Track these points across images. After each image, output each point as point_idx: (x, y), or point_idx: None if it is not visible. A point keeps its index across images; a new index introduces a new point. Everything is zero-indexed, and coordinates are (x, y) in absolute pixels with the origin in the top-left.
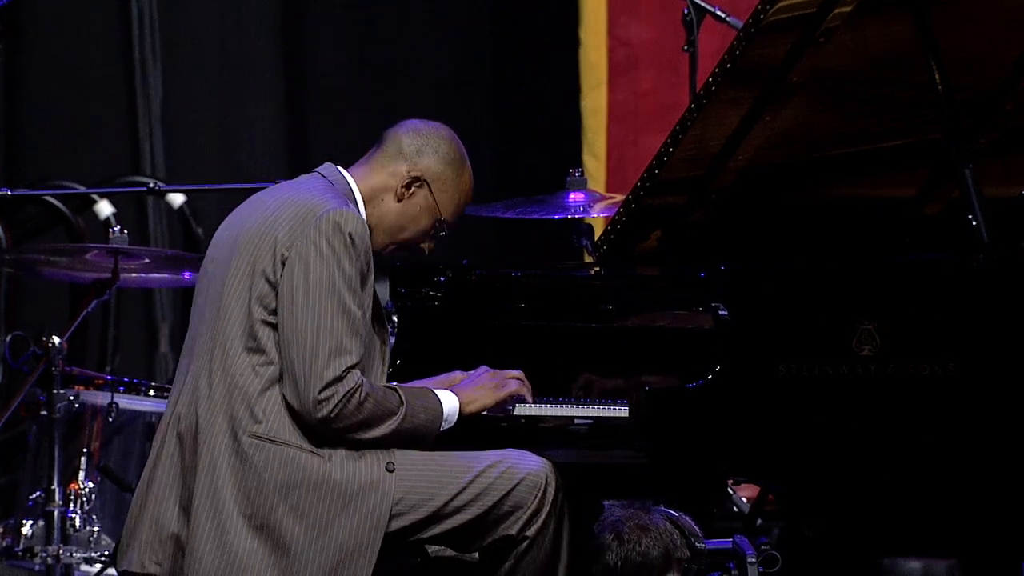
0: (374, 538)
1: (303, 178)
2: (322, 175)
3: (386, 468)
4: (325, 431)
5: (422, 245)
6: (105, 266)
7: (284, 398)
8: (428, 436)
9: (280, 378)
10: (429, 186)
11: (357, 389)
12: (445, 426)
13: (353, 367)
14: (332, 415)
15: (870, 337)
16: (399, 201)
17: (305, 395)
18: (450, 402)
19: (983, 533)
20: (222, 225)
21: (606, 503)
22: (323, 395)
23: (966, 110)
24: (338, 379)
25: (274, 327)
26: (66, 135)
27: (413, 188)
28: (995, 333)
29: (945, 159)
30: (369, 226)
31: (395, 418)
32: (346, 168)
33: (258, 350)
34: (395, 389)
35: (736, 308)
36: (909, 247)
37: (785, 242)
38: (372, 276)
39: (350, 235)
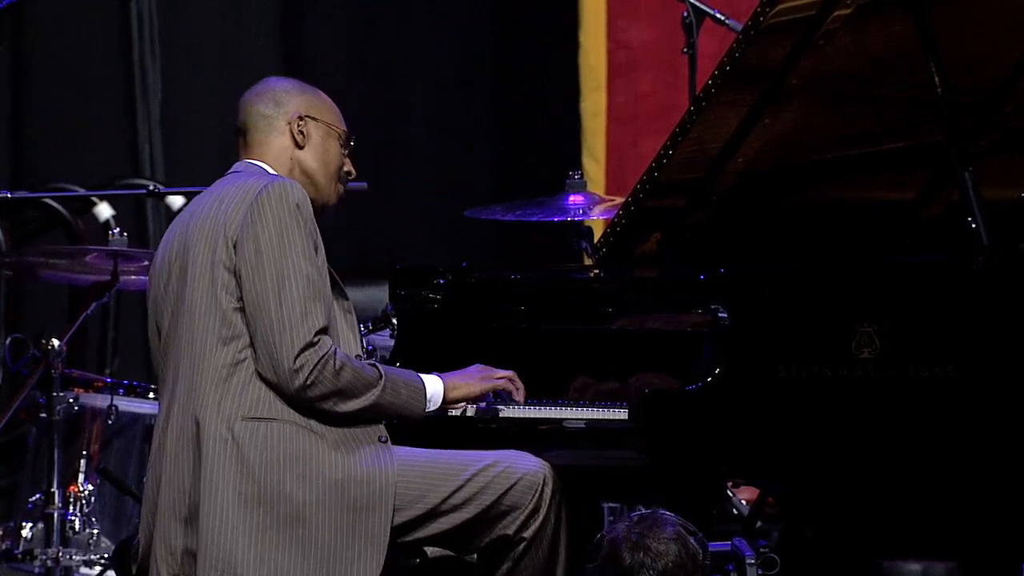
0: (387, 491)
1: (225, 178)
2: (237, 172)
3: (379, 439)
4: (304, 401)
5: (346, 170)
6: (105, 268)
7: (264, 377)
8: (411, 415)
9: (257, 357)
10: (311, 116)
11: (331, 356)
12: (430, 407)
13: (322, 331)
14: (309, 382)
15: (869, 339)
16: (303, 148)
17: (280, 366)
18: (434, 384)
19: (983, 535)
20: (160, 246)
21: (604, 504)
22: (298, 363)
23: (966, 111)
24: (310, 344)
25: (243, 308)
26: (66, 137)
27: (303, 129)
28: (994, 335)
29: (945, 161)
30: (305, 187)
31: (375, 390)
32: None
33: (235, 337)
34: (374, 364)
35: (736, 310)
36: (909, 249)
37: (785, 244)
38: (322, 245)
39: (297, 205)
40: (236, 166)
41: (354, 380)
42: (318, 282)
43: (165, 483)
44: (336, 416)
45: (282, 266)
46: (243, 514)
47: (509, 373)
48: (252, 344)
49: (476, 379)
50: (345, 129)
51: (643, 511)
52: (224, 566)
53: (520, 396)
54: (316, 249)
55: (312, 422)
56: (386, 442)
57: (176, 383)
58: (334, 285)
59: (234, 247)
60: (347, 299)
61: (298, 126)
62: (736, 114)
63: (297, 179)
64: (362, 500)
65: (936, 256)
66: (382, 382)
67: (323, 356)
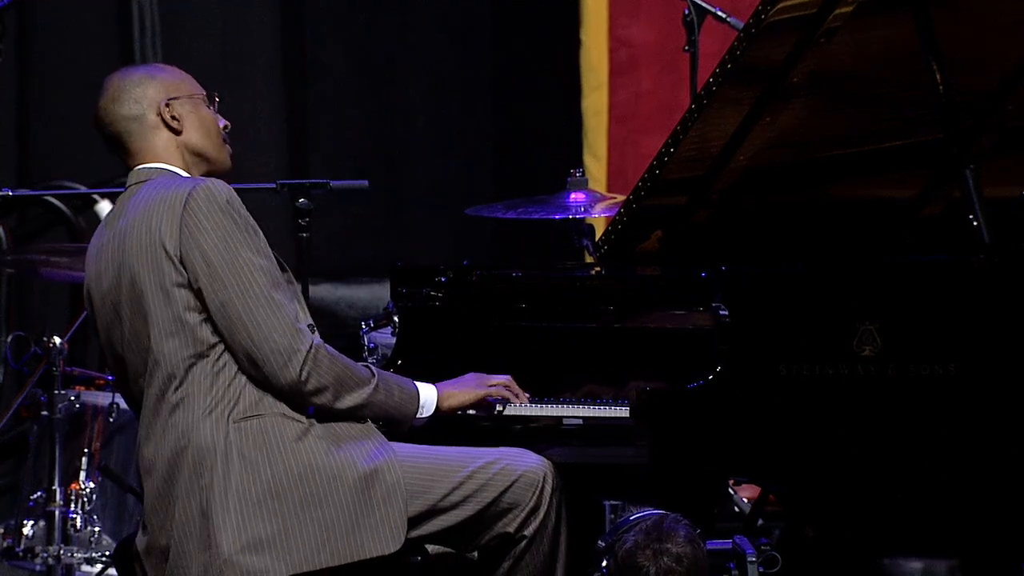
0: (390, 458)
1: (134, 190)
2: (141, 181)
3: (359, 419)
4: (300, 396)
5: (222, 125)
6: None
7: (251, 378)
8: (403, 418)
9: (239, 361)
10: (172, 98)
11: (320, 345)
12: (423, 413)
13: (297, 319)
14: (304, 376)
15: (871, 337)
16: (181, 132)
17: (269, 364)
18: (427, 390)
19: (984, 534)
20: (90, 271)
21: (605, 502)
22: (287, 353)
23: (967, 110)
24: (294, 332)
25: (211, 319)
26: (66, 135)
27: (171, 113)
28: (996, 334)
29: (946, 159)
30: (200, 165)
31: (368, 387)
32: (133, 167)
33: (209, 349)
34: (366, 365)
35: (737, 308)
36: (910, 247)
37: (786, 242)
38: (259, 228)
39: (227, 201)
40: (137, 174)
41: (347, 373)
42: (272, 270)
43: (178, 519)
44: (329, 414)
45: (237, 269)
46: (261, 511)
47: (505, 379)
48: (229, 350)
49: (471, 388)
50: (204, 91)
51: (646, 520)
52: (255, 568)
53: (519, 401)
54: (256, 234)
55: (298, 414)
56: (366, 420)
57: (156, 413)
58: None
59: (181, 264)
60: (287, 270)
61: (168, 114)
62: (737, 112)
63: (191, 163)
64: (368, 468)
65: (937, 255)
66: (375, 380)
67: (312, 345)
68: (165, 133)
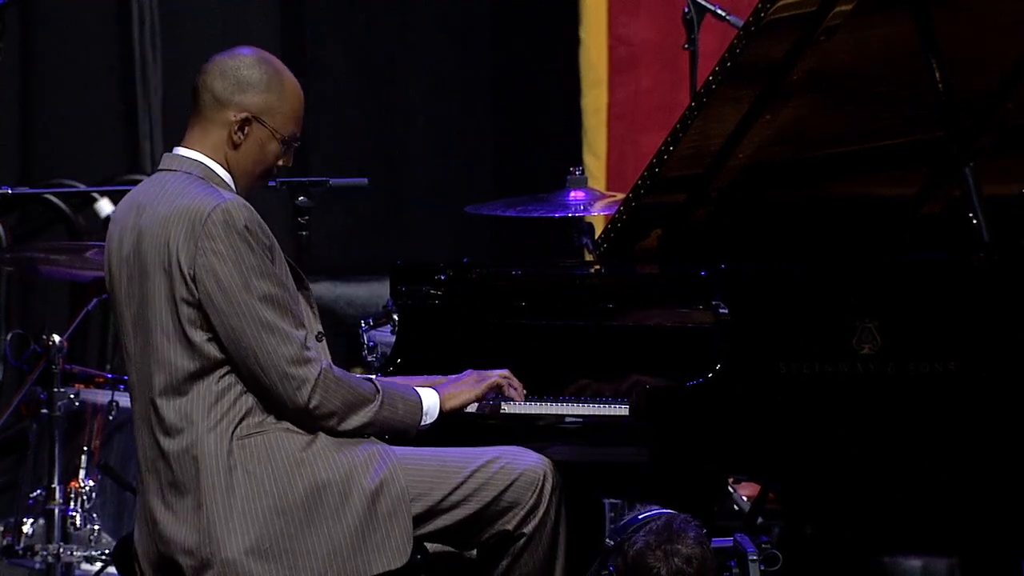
0: (394, 470)
1: (163, 180)
2: (174, 170)
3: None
4: (310, 420)
5: (280, 164)
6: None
7: (256, 396)
8: (409, 428)
9: (246, 382)
10: (259, 120)
11: (328, 369)
12: (427, 420)
13: (305, 346)
14: (313, 405)
15: (870, 335)
16: (237, 147)
17: (278, 391)
18: (430, 397)
19: (983, 532)
20: (112, 252)
21: (605, 500)
22: (301, 375)
23: (967, 110)
24: (303, 361)
25: (218, 339)
26: (68, 134)
27: (244, 129)
28: (995, 332)
29: (946, 158)
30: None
31: (374, 404)
32: (180, 144)
33: (214, 367)
34: (369, 378)
35: (737, 306)
36: (909, 245)
37: (786, 240)
38: (276, 245)
39: (245, 227)
40: (171, 159)
41: (354, 394)
42: (284, 296)
43: (182, 534)
44: (337, 434)
45: (249, 297)
46: (266, 529)
47: (503, 373)
48: (235, 371)
49: (470, 386)
50: (291, 132)
51: (656, 521)
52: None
53: (518, 395)
54: (273, 258)
55: (302, 429)
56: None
57: (159, 420)
58: (294, 274)
59: (193, 281)
60: (303, 278)
61: (240, 126)
62: (737, 110)
63: (228, 171)
64: (373, 483)
65: (937, 253)
66: (379, 396)
67: (320, 372)
68: (225, 135)
